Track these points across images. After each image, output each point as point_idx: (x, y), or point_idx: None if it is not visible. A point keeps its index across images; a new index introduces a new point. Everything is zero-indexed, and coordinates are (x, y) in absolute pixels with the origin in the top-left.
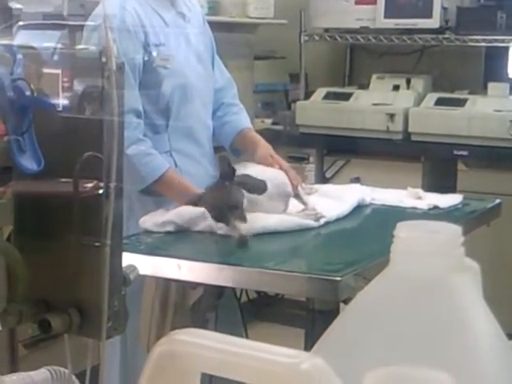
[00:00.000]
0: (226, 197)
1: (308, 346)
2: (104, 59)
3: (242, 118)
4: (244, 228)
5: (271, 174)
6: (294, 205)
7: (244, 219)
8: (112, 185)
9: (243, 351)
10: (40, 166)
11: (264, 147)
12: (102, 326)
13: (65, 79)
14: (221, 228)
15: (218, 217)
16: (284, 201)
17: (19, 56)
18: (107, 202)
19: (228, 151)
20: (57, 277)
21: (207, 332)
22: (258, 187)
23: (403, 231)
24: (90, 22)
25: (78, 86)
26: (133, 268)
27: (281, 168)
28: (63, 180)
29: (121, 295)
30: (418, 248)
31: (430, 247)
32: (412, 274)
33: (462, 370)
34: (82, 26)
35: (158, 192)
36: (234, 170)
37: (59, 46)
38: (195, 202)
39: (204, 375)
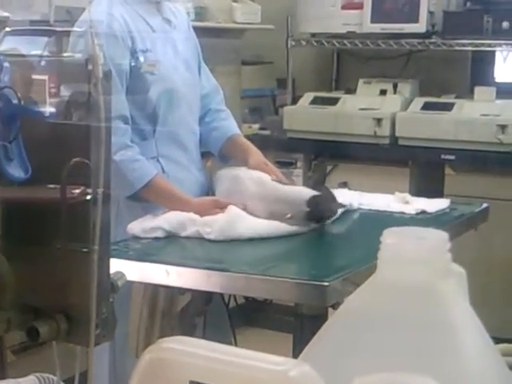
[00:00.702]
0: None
1: (296, 351)
2: (90, 67)
3: (230, 124)
4: (234, 233)
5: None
6: None
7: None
8: (100, 191)
9: (231, 359)
10: (27, 174)
11: (256, 154)
12: (90, 333)
13: (51, 85)
14: (209, 233)
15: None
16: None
17: (6, 64)
18: (95, 208)
19: (216, 157)
20: (44, 284)
21: (196, 340)
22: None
23: (390, 238)
24: (77, 28)
25: (65, 92)
26: (121, 275)
27: (275, 175)
28: (50, 186)
29: (109, 302)
30: (405, 254)
31: (417, 254)
32: (399, 281)
33: (448, 376)
34: (68, 32)
35: (145, 198)
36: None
37: (46, 52)
38: None
39: (192, 383)
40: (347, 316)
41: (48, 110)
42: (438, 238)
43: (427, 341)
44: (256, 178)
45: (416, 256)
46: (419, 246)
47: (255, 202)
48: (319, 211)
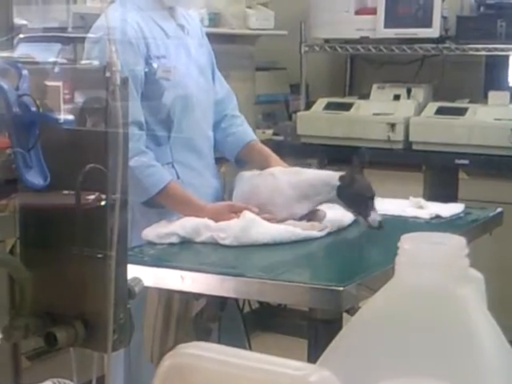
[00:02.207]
0: (366, 188)
1: (311, 356)
2: (108, 74)
3: (246, 130)
4: (249, 238)
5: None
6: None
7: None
8: (116, 197)
9: (250, 364)
10: (46, 181)
11: (276, 160)
12: (108, 339)
13: (66, 91)
14: (224, 239)
15: (359, 209)
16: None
17: (24, 71)
18: (112, 214)
19: (232, 162)
20: (62, 290)
21: (214, 345)
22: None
23: (407, 243)
24: (92, 34)
25: (79, 98)
26: (138, 281)
27: None
28: (67, 192)
29: (126, 308)
30: (423, 260)
31: (435, 259)
32: (417, 286)
33: (466, 378)
34: (82, 38)
35: (160, 204)
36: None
37: (61, 58)
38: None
39: None
40: (366, 321)
41: (64, 116)
42: (456, 243)
43: (446, 344)
44: (285, 169)
45: (434, 261)
46: (437, 252)
47: (288, 192)
48: (354, 188)
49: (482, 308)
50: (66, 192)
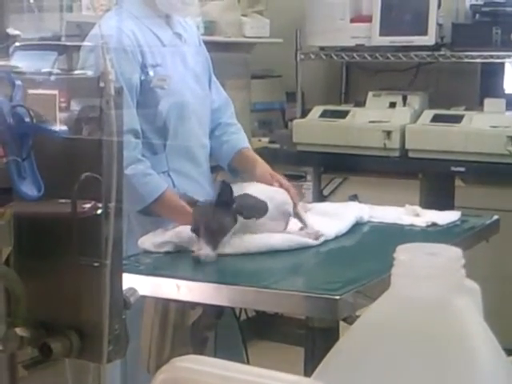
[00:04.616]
0: (216, 221)
1: (308, 364)
2: (102, 84)
3: (240, 138)
4: (244, 246)
5: (272, 193)
6: (293, 223)
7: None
8: (111, 205)
9: (245, 377)
10: (40, 191)
11: (262, 165)
12: (103, 350)
13: (62, 99)
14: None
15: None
16: (284, 220)
17: (18, 82)
18: (107, 223)
19: (226, 171)
20: (57, 300)
21: (210, 359)
22: (258, 210)
23: (403, 254)
24: (87, 42)
25: (75, 107)
26: (133, 291)
27: (281, 186)
28: (62, 201)
29: (121, 319)
30: (419, 271)
31: (431, 270)
32: (413, 298)
33: None
34: (78, 47)
35: (156, 212)
36: (232, 201)
37: (56, 67)
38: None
39: None
40: (362, 333)
41: (59, 125)
42: (452, 254)
43: (442, 356)
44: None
45: (430, 272)
46: (433, 263)
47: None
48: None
49: (479, 319)
50: (61, 201)
